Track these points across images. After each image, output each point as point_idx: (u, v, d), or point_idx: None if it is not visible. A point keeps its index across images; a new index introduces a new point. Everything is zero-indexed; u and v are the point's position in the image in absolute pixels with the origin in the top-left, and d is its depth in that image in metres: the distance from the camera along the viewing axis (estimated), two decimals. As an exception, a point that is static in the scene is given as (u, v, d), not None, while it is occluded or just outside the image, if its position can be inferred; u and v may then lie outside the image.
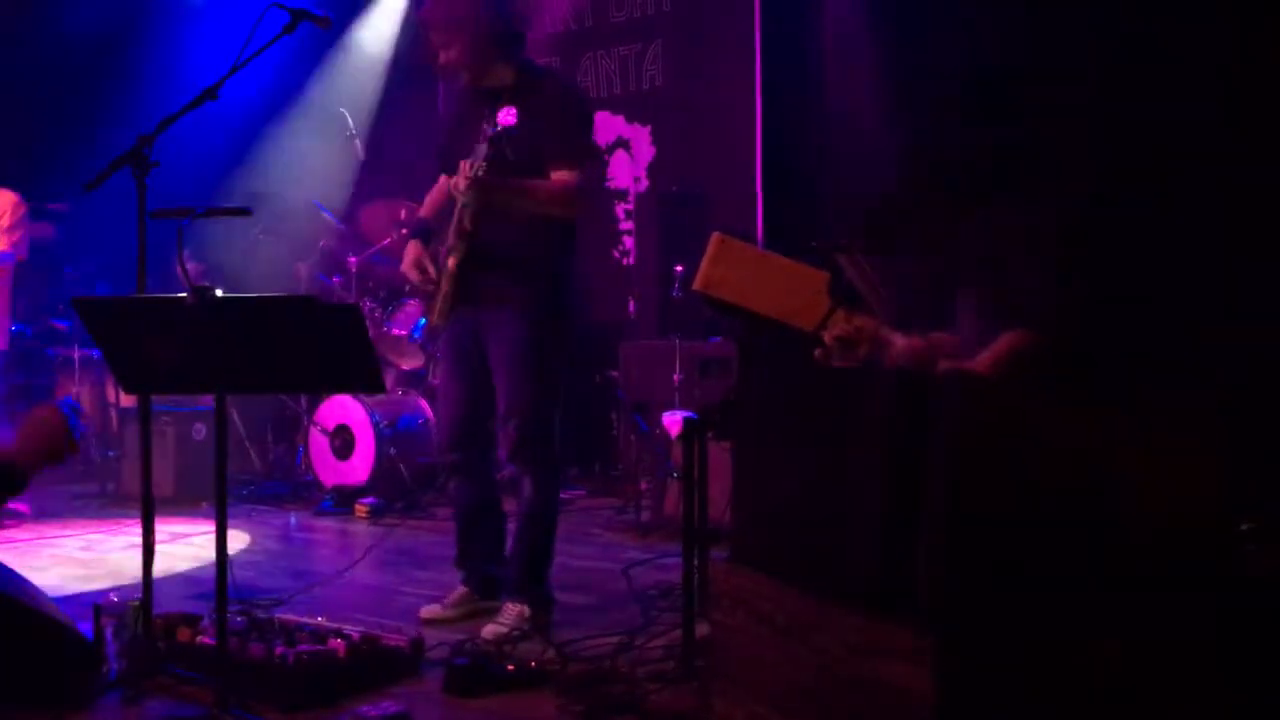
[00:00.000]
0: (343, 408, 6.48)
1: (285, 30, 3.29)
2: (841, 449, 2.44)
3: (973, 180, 2.83)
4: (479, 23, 3.80)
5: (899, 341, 2.56)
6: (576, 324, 4.04)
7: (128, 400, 6.54)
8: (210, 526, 4.13)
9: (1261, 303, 2.64)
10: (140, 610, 3.20)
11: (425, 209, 4.22)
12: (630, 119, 7.67)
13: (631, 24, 7.70)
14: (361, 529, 5.90)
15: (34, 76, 7.86)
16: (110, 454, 6.89)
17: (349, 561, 4.99)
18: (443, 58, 3.89)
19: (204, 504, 6.07)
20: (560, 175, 3.82)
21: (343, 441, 6.47)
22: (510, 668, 3.32)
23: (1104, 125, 2.79)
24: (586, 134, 4.18)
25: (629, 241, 7.67)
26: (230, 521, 3.01)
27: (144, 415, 3.35)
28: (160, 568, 3.64)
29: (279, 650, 3.18)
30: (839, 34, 6.44)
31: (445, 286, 3.84)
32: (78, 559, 5.18)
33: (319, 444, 6.58)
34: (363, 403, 6.41)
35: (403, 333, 6.58)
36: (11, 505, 5.66)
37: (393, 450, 6.37)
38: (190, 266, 3.30)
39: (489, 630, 3.77)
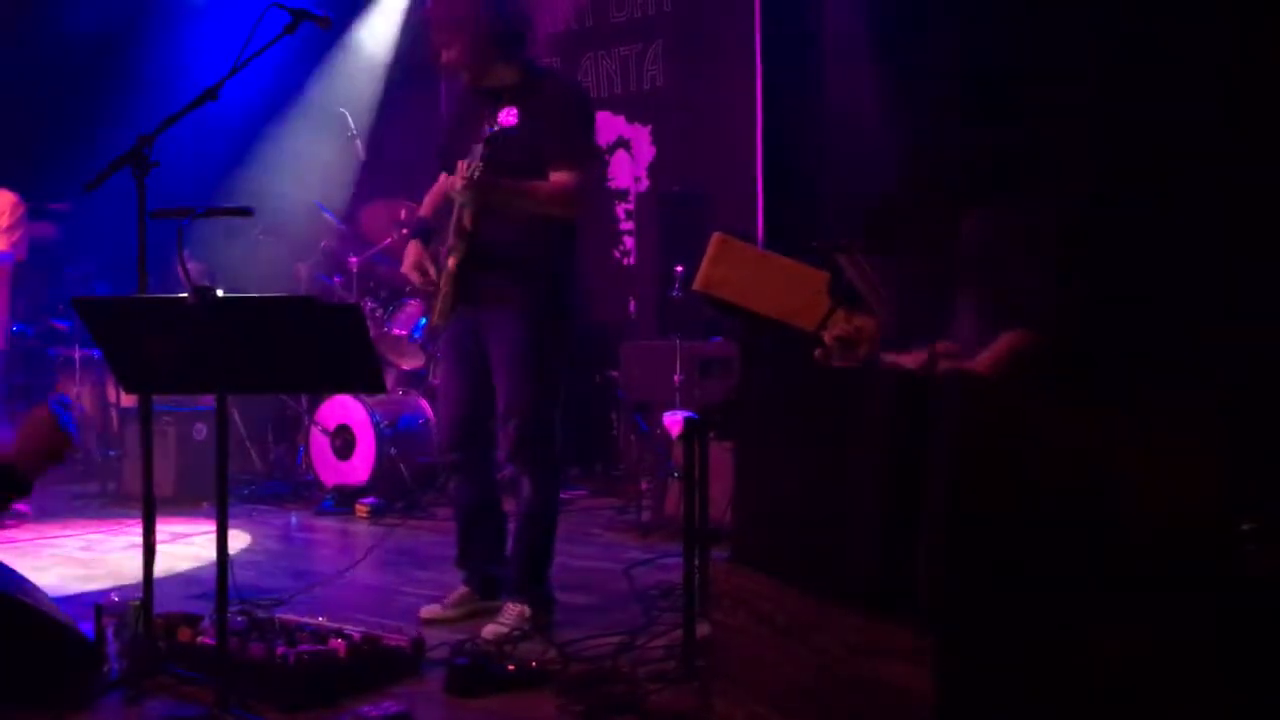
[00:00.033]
0: (343, 408, 6.47)
1: (286, 30, 3.29)
2: (842, 449, 2.44)
3: (973, 180, 2.83)
4: (479, 23, 3.79)
5: (903, 361, 2.57)
6: (577, 324, 4.04)
7: (128, 400, 6.53)
8: (211, 526, 4.13)
9: (1261, 303, 2.64)
10: (141, 610, 3.20)
11: (425, 209, 4.22)
12: (631, 119, 7.67)
13: (632, 24, 7.69)
14: (362, 529, 5.90)
15: (34, 76, 7.86)
16: (111, 454, 6.88)
17: (350, 561, 4.99)
18: (444, 57, 3.89)
19: (205, 504, 6.07)
20: (560, 176, 3.81)
21: (343, 441, 6.47)
22: (511, 668, 3.32)
23: (1104, 125, 2.79)
24: (588, 135, 4.17)
25: (629, 241, 7.67)
26: (231, 521, 3.01)
27: (145, 415, 3.35)
28: (161, 568, 3.64)
29: (280, 650, 3.18)
30: (839, 34, 6.43)
31: (445, 286, 3.84)
32: (78, 559, 5.18)
33: (319, 444, 6.57)
34: (363, 403, 6.40)
35: (403, 333, 6.58)
36: (13, 505, 5.66)
37: (393, 450, 6.37)
38: (191, 266, 3.30)
39: (489, 630, 3.77)
